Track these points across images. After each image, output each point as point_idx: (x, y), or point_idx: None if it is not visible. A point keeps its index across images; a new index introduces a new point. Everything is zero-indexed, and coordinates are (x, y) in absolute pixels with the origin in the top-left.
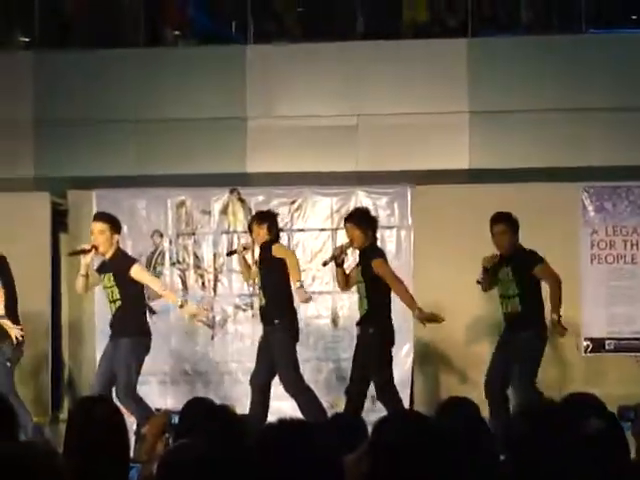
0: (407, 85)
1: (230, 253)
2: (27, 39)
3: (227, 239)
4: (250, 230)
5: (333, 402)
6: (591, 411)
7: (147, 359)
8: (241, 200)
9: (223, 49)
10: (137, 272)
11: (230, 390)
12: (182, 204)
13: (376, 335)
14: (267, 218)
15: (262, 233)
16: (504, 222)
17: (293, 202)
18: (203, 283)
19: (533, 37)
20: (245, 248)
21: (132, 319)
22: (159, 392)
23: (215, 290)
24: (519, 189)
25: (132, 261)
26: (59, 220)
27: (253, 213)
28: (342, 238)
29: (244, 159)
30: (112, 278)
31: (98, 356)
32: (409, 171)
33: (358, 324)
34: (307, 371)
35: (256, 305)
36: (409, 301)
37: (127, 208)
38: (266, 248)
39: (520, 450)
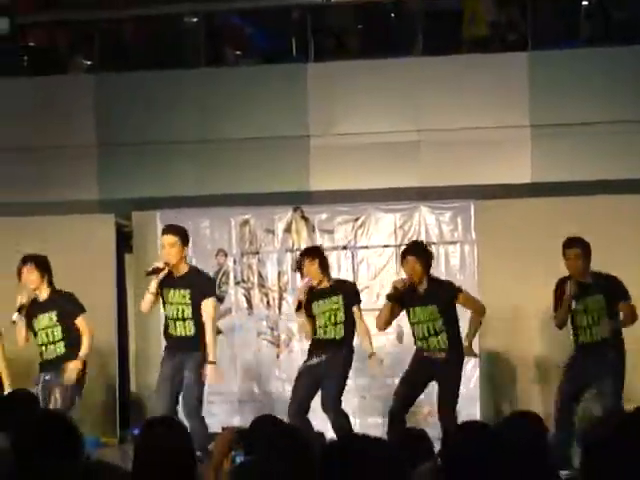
0: (468, 100)
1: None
2: (89, 62)
3: (291, 257)
4: (300, 266)
5: None
6: None
7: None
8: (304, 218)
9: (284, 67)
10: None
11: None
12: (246, 223)
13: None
14: (317, 254)
15: (313, 270)
16: (578, 246)
17: (356, 219)
18: (268, 302)
19: (593, 49)
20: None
21: (203, 336)
22: (226, 412)
23: (280, 309)
24: (582, 202)
25: (213, 290)
26: (124, 242)
27: (316, 231)
28: None
29: (307, 177)
30: (188, 295)
31: None
32: (472, 185)
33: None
34: (373, 388)
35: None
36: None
37: (191, 228)
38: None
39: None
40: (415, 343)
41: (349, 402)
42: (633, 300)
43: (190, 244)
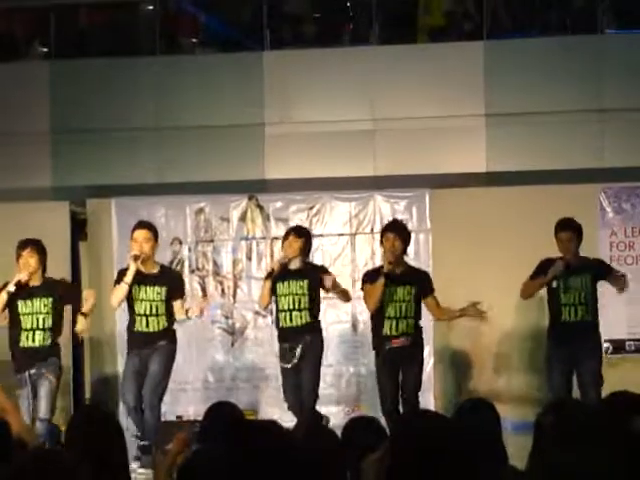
0: (423, 89)
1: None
2: (44, 49)
3: (246, 245)
4: (285, 239)
5: (354, 406)
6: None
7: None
8: (260, 207)
9: (240, 56)
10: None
11: (251, 397)
12: (201, 211)
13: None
14: (305, 234)
15: (296, 246)
16: (572, 229)
17: (311, 208)
18: (223, 290)
19: (548, 38)
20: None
21: (172, 331)
22: (180, 400)
23: (235, 297)
24: (536, 191)
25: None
26: (78, 229)
27: (271, 219)
28: (361, 243)
29: (262, 165)
30: (164, 292)
31: (120, 365)
32: (427, 175)
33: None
34: (328, 376)
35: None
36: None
37: (146, 216)
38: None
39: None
40: (381, 327)
41: None
42: None
43: None
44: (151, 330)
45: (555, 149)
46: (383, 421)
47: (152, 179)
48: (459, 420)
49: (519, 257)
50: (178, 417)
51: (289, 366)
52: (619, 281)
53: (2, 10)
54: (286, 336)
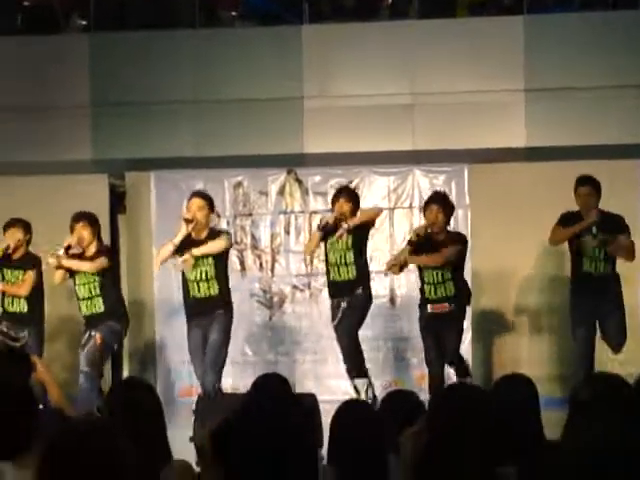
0: (462, 63)
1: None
2: (83, 22)
3: (284, 219)
4: (334, 202)
5: (392, 381)
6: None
7: None
8: (298, 181)
9: (278, 29)
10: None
11: (288, 371)
12: (239, 185)
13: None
14: (355, 197)
15: (347, 208)
16: (591, 184)
17: (350, 182)
18: (261, 264)
19: (589, 13)
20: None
21: (228, 297)
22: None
23: (273, 271)
24: (576, 167)
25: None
26: (118, 202)
27: (309, 193)
28: (399, 217)
29: (301, 139)
30: (212, 257)
31: (158, 335)
32: (465, 150)
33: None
34: (366, 350)
35: (314, 284)
36: None
37: (185, 189)
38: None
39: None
40: (422, 290)
41: (342, 364)
42: (624, 265)
43: (184, 206)
44: (202, 295)
45: (595, 125)
46: (421, 396)
47: (191, 152)
48: (496, 394)
49: None
50: (218, 388)
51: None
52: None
53: None
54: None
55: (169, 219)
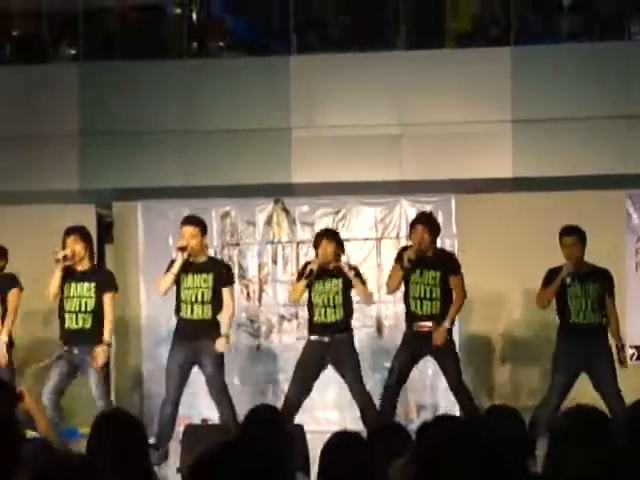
0: (450, 94)
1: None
2: (73, 51)
3: (272, 249)
4: (317, 245)
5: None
6: None
7: (194, 371)
8: (285, 210)
9: (267, 60)
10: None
11: (276, 401)
12: (227, 215)
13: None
14: (338, 239)
15: (330, 250)
16: (575, 234)
17: (337, 212)
18: (248, 294)
19: (576, 44)
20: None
21: (218, 323)
22: (207, 404)
23: (260, 300)
24: (563, 197)
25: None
26: (105, 232)
27: (297, 223)
28: (386, 247)
29: (288, 169)
30: (211, 280)
31: (145, 364)
32: (453, 180)
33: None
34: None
35: (301, 314)
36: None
37: (172, 219)
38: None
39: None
40: (408, 306)
41: (328, 394)
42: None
43: (171, 236)
44: (195, 318)
45: (581, 155)
46: (409, 426)
47: (178, 182)
48: (482, 425)
49: (545, 263)
50: (203, 420)
51: None
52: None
53: (30, 12)
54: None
55: (156, 248)
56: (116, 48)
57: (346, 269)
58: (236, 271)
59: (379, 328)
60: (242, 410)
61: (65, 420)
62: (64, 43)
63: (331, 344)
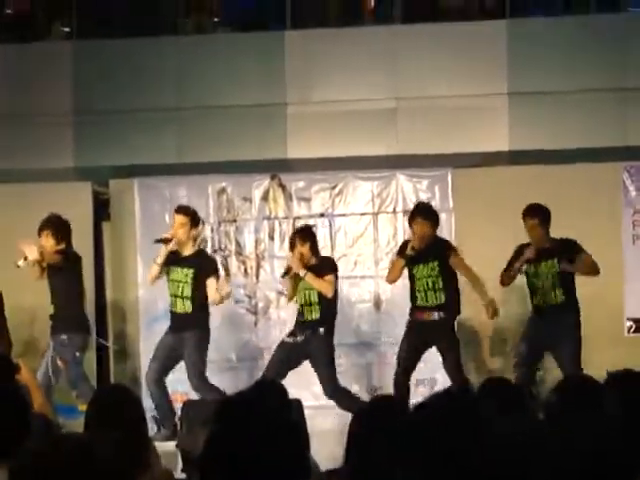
0: (446, 67)
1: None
2: (67, 29)
3: (268, 225)
4: (292, 244)
5: (377, 386)
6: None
7: None
8: (282, 186)
9: (261, 35)
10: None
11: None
12: (223, 191)
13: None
14: (313, 238)
15: (304, 250)
16: (536, 215)
17: (334, 187)
18: (245, 270)
19: (571, 17)
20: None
21: (202, 314)
22: None
23: (257, 276)
24: (559, 170)
25: (216, 271)
26: (102, 210)
27: (293, 199)
28: (383, 222)
29: (284, 145)
30: (191, 275)
31: (142, 342)
32: (449, 154)
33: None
34: (350, 355)
35: None
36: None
37: (168, 196)
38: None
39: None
40: (415, 299)
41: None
42: (607, 268)
43: (167, 213)
44: (179, 311)
45: (578, 128)
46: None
47: (174, 159)
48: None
49: None
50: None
51: None
52: (584, 266)
53: None
54: None
55: (153, 226)
56: (109, 26)
57: (302, 273)
58: (233, 248)
59: (377, 304)
60: (240, 386)
61: (64, 398)
62: (57, 21)
63: (302, 344)
